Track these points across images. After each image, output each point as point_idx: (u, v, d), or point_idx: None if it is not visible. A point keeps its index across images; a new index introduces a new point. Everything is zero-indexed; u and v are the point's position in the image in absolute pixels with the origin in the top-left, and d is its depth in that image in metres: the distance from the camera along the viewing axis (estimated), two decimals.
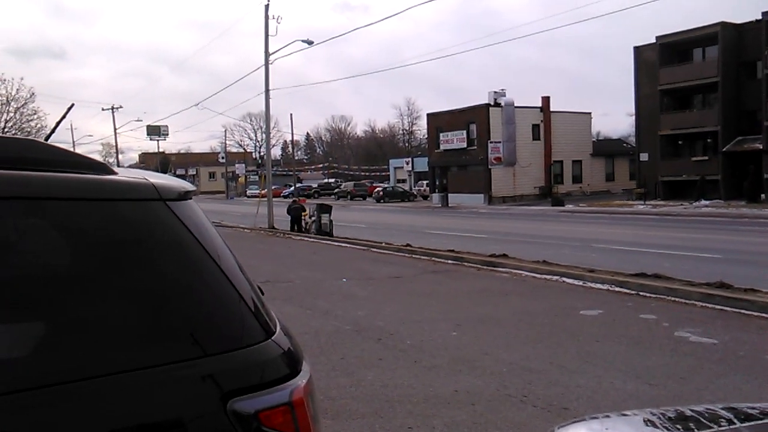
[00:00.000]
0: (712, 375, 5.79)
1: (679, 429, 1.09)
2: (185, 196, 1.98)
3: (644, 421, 1.13)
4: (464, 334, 7.44)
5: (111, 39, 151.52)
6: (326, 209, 23.36)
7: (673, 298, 9.22)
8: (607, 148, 55.60)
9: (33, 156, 1.81)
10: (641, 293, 9.70)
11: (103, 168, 1.93)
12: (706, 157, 38.56)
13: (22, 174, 1.75)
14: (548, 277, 11.51)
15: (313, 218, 23.83)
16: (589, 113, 53.55)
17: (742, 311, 8.33)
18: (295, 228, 24.84)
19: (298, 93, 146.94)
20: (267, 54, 28.12)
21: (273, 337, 1.89)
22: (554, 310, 8.76)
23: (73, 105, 2.49)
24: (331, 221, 22.81)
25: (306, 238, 21.83)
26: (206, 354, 1.75)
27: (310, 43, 28.71)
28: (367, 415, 4.82)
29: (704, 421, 1.10)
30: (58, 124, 2.50)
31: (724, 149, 37.28)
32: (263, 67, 28.26)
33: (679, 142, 41.00)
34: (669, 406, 1.21)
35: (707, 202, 34.28)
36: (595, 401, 5.09)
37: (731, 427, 1.07)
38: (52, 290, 1.72)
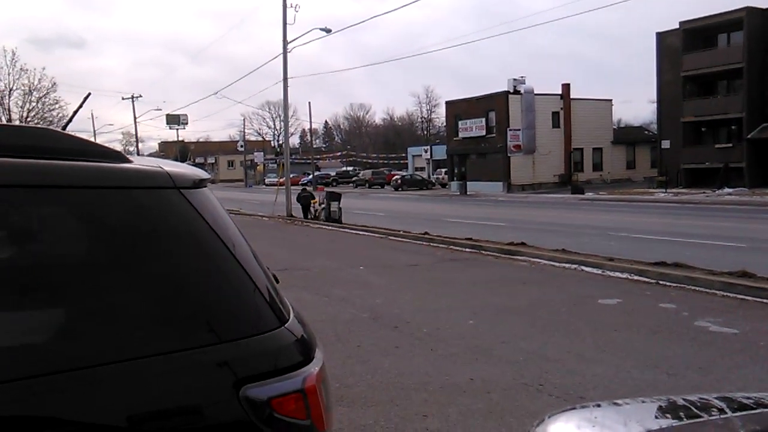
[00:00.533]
0: (732, 365, 5.72)
1: (668, 418, 1.08)
2: (200, 184, 1.98)
3: (634, 409, 1.12)
4: (481, 322, 7.43)
5: (129, 28, 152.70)
6: (336, 197, 23.81)
7: (693, 288, 9.11)
8: (628, 136, 54.91)
9: (48, 145, 1.83)
10: (661, 282, 9.60)
11: (118, 156, 1.95)
12: (730, 145, 37.91)
13: (39, 162, 1.77)
14: (567, 265, 11.44)
15: (323, 206, 24.27)
16: (610, 100, 52.86)
17: (765, 301, 8.21)
18: (306, 215, 25.43)
19: (316, 81, 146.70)
20: (285, 42, 28.12)
21: (286, 325, 1.90)
22: (572, 298, 8.71)
23: (89, 94, 2.52)
24: (340, 208, 23.27)
25: (324, 227, 21.92)
26: (220, 341, 1.76)
27: (328, 31, 28.64)
28: (383, 402, 4.85)
29: (695, 410, 1.08)
30: (75, 113, 2.53)
31: (749, 136, 36.62)
32: (281, 56, 28.28)
33: (702, 129, 40.35)
34: (661, 395, 1.20)
35: (731, 190, 33.74)
36: (612, 390, 5.06)
37: (722, 416, 1.05)
38: (69, 277, 1.74)
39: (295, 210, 26.84)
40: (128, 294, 1.77)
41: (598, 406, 1.14)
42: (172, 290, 1.80)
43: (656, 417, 1.08)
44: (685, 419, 1.06)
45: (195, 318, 1.79)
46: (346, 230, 20.27)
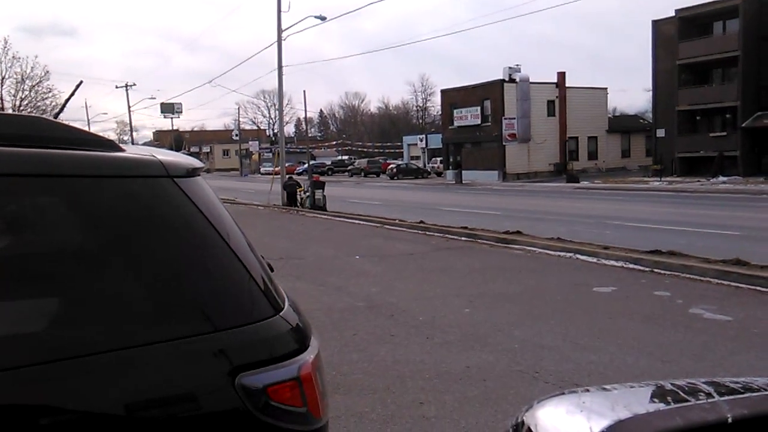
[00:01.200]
0: (726, 352, 5.76)
1: (656, 402, 1.09)
2: (193, 172, 1.97)
3: (622, 394, 1.13)
4: (477, 310, 7.45)
5: (122, 16, 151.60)
6: (320, 185, 24.47)
7: (688, 275, 9.15)
8: (623, 125, 54.92)
9: (39, 134, 1.82)
10: (656, 270, 9.63)
11: (110, 145, 1.94)
12: (725, 133, 37.97)
13: (31, 151, 1.76)
14: (562, 254, 11.47)
15: (307, 194, 24.88)
16: (605, 89, 52.79)
17: (758, 288, 8.25)
18: (292, 203, 26.03)
19: (311, 70, 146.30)
20: (279, 30, 27.96)
21: (281, 313, 1.90)
22: (567, 287, 8.74)
23: (81, 82, 2.50)
24: (324, 196, 24.01)
25: (318, 215, 21.93)
26: (215, 329, 1.77)
27: (323, 18, 28.51)
28: (379, 390, 4.87)
29: (683, 394, 1.09)
30: (66, 101, 2.51)
31: (743, 125, 36.67)
32: (276, 44, 28.14)
33: (697, 118, 40.38)
34: (650, 380, 1.22)
35: (725, 179, 33.85)
36: (607, 377, 5.10)
37: (709, 400, 1.06)
38: (62, 266, 1.74)
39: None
40: (122, 283, 1.76)
41: (587, 391, 1.15)
42: (166, 279, 1.80)
43: (644, 401, 1.09)
44: (672, 403, 1.07)
45: (189, 307, 1.79)
46: (341, 219, 20.27)
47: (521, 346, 5.96)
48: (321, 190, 24.11)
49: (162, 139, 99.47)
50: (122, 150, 1.94)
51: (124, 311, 1.72)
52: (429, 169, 58.39)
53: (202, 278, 1.82)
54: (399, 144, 76.73)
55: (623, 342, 6.07)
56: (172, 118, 79.44)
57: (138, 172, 1.87)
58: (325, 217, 21.39)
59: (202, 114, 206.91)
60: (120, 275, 1.77)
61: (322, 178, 28.58)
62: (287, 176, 29.01)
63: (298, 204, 25.61)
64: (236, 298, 1.85)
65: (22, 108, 40.53)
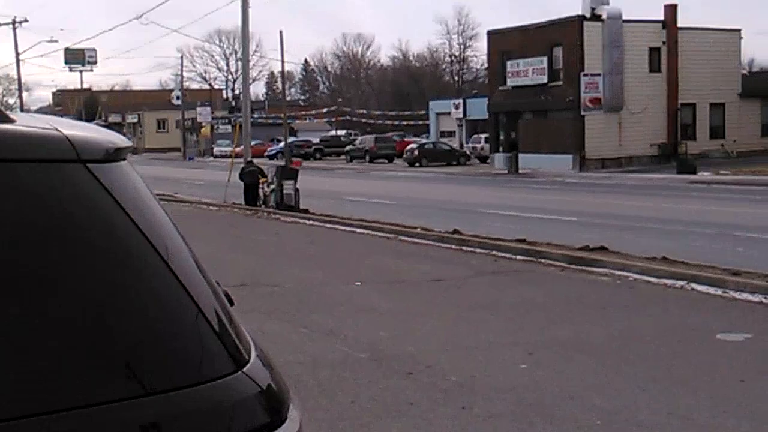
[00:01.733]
0: None
1: None
2: (115, 155, 1.99)
3: None
4: (538, 367, 7.47)
5: None
6: (290, 174, 24.69)
7: None
8: (764, 86, 54.73)
9: None
10: None
11: None
12: None
13: None
14: (669, 281, 11.46)
15: (272, 187, 24.86)
16: (739, 31, 52.60)
17: None
18: (253, 200, 25.92)
19: (292, 0, 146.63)
20: None
21: (245, 369, 1.91)
22: (677, 332, 8.75)
23: None
24: (297, 190, 24.16)
25: (299, 220, 22.04)
26: (145, 392, 1.77)
27: None
28: None
29: None
30: None
31: None
32: None
33: None
34: None
35: None
36: None
37: None
38: None
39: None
40: (7, 322, 1.77)
41: None
42: (73, 317, 1.81)
43: None
44: None
45: (108, 358, 1.80)
46: (334, 226, 20.34)
47: (605, 422, 5.96)
48: (292, 182, 24.21)
49: (66, 103, 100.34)
50: (11, 120, 1.95)
51: (6, 365, 1.73)
52: (468, 152, 58.46)
53: (127, 315, 1.83)
54: (423, 113, 76.95)
55: (763, 418, 6.06)
56: (81, 71, 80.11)
57: (33, 154, 1.89)
58: (311, 222, 21.48)
59: (128, 66, 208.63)
60: (1, 310, 1.78)
61: (304, 164, 28.65)
62: (247, 161, 29.05)
63: (261, 201, 25.80)
64: (178, 346, 1.85)
65: None
